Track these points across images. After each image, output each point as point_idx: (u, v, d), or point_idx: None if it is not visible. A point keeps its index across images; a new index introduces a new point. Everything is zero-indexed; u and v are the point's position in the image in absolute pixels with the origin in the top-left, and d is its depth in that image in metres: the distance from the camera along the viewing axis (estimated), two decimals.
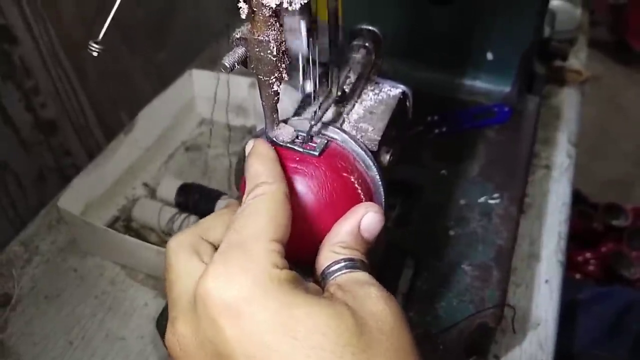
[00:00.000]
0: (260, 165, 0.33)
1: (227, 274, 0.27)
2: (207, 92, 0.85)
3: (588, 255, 1.45)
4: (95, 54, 0.31)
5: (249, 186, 0.32)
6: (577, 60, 0.99)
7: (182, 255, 0.32)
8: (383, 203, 0.38)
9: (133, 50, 0.98)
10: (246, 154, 0.35)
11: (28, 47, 0.79)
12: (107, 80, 0.94)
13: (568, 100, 0.90)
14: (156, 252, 0.61)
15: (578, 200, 1.57)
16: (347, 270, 0.32)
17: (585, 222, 1.50)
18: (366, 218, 0.34)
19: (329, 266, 0.32)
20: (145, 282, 0.66)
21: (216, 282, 0.27)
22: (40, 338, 0.61)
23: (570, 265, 1.43)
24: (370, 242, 0.34)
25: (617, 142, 2.11)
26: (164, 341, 0.32)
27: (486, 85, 0.73)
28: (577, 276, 1.41)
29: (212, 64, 0.94)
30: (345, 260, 0.32)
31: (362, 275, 0.31)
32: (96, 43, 0.31)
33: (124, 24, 0.92)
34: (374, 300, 0.29)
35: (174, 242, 0.33)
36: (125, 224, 0.73)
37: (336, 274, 0.32)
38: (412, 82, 0.72)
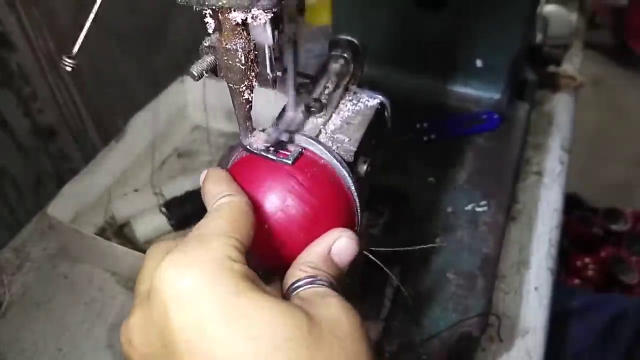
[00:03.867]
0: (217, 185, 0.33)
1: (181, 262, 0.28)
2: (200, 98, 0.86)
3: (587, 260, 1.44)
4: (69, 68, 0.32)
5: (210, 204, 0.33)
6: (572, 65, 0.99)
7: (157, 257, 0.32)
8: (359, 213, 0.38)
9: (129, 57, 0.98)
10: (200, 182, 0.35)
11: (25, 53, 0.80)
12: (103, 86, 0.95)
13: (561, 105, 0.90)
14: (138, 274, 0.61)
15: (577, 204, 1.56)
16: (310, 286, 0.32)
17: (585, 226, 1.49)
18: (338, 243, 0.34)
19: (293, 282, 0.32)
20: (134, 288, 0.66)
21: (169, 270, 0.28)
22: (29, 344, 0.61)
23: (569, 270, 1.43)
24: (341, 267, 0.34)
25: (618, 146, 2.10)
26: None
27: (476, 92, 0.73)
28: (576, 281, 1.40)
29: (207, 75, 0.94)
30: (310, 277, 0.32)
31: (324, 289, 0.32)
32: (69, 58, 0.31)
33: (120, 30, 0.93)
34: (332, 309, 0.29)
35: (153, 247, 0.34)
36: (116, 230, 0.73)
37: (299, 289, 0.32)
38: (402, 90, 0.73)
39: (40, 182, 0.87)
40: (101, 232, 0.72)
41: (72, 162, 0.92)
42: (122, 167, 0.76)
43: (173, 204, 0.72)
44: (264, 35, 0.30)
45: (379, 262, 0.39)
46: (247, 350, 0.25)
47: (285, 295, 0.32)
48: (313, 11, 1.04)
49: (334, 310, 0.29)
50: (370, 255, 0.39)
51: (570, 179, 0.80)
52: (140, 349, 0.29)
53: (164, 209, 0.71)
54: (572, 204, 1.53)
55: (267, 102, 0.38)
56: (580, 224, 1.49)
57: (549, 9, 0.98)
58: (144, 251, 0.64)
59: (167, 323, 0.27)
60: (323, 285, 0.32)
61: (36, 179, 0.87)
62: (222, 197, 0.32)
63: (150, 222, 0.71)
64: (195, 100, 0.86)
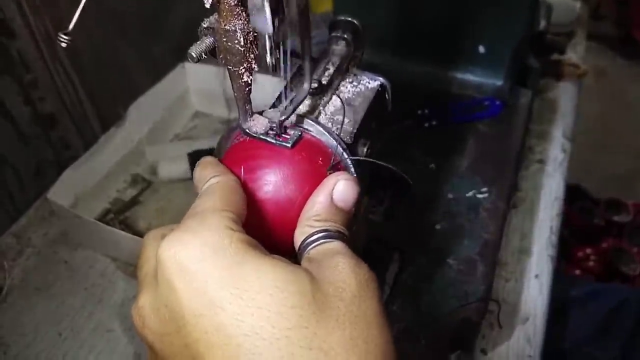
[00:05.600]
0: (205, 168, 0.34)
1: (182, 237, 0.28)
2: (200, 85, 0.86)
3: (588, 250, 1.44)
4: (64, 44, 0.31)
5: (199, 186, 0.33)
6: (575, 53, 0.98)
7: (155, 242, 0.33)
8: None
9: (130, 43, 0.98)
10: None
11: (26, 40, 0.79)
12: (104, 73, 0.94)
13: (564, 94, 0.89)
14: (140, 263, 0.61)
15: (579, 195, 1.56)
16: (321, 242, 0.31)
17: (586, 217, 1.49)
18: (338, 187, 0.33)
19: (304, 240, 0.32)
20: (134, 274, 0.66)
21: (172, 245, 0.28)
22: (30, 329, 0.62)
23: (570, 261, 1.43)
24: (347, 211, 0.34)
25: (621, 137, 2.09)
26: None
27: (478, 79, 0.73)
28: (577, 272, 1.40)
29: (207, 57, 0.94)
30: (320, 231, 0.32)
31: (334, 245, 0.31)
32: (65, 34, 0.31)
33: (121, 16, 0.93)
34: (339, 269, 0.29)
35: (150, 233, 0.34)
36: (117, 216, 0.73)
37: (310, 247, 0.31)
38: (404, 76, 0.72)
39: (40, 170, 0.87)
40: (102, 218, 0.72)
41: (72, 150, 0.92)
42: (122, 153, 0.76)
43: (197, 153, 0.76)
44: (264, 24, 0.30)
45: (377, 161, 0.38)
46: (254, 321, 0.25)
47: (299, 255, 0.32)
48: None
49: (341, 271, 0.28)
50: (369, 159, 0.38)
51: (573, 170, 0.79)
52: (153, 328, 0.29)
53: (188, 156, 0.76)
54: (574, 195, 1.52)
55: (264, 87, 0.37)
56: (582, 214, 1.49)
57: None
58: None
59: (175, 298, 0.27)
60: (333, 239, 0.31)
61: (37, 167, 0.86)
62: (210, 178, 0.33)
63: (174, 165, 0.76)
64: (196, 86, 0.86)
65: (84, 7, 0.32)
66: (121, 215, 0.73)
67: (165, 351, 0.28)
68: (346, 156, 0.36)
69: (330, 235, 0.32)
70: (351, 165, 0.36)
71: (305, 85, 0.36)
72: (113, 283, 0.66)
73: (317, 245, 0.31)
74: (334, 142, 0.36)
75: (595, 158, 1.94)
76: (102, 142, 0.72)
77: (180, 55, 0.86)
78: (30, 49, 0.80)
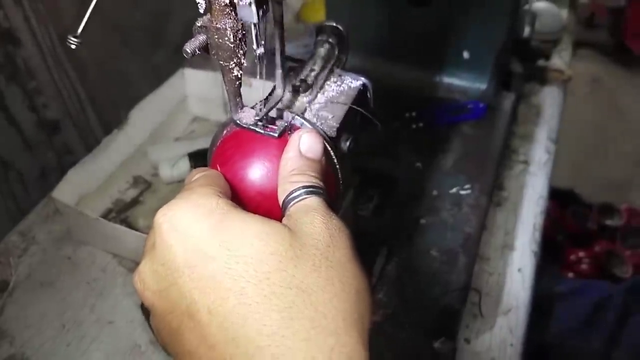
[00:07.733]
0: (192, 173, 0.38)
1: (176, 203, 0.33)
2: (198, 91, 0.89)
3: (581, 254, 1.46)
4: (73, 46, 0.35)
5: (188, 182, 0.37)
6: (561, 59, 1.01)
7: None
8: (341, 184, 0.41)
9: (131, 51, 1.01)
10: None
11: (31, 49, 0.82)
12: (106, 80, 0.97)
13: (549, 98, 0.93)
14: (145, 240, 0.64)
15: (573, 200, 1.59)
16: (302, 197, 0.34)
17: (580, 221, 1.52)
18: (303, 140, 0.37)
19: (285, 198, 0.35)
20: (134, 269, 0.69)
21: (167, 210, 0.32)
22: (34, 321, 0.65)
23: (563, 264, 1.45)
24: (317, 160, 0.37)
25: (616, 144, 2.12)
26: (149, 323, 0.36)
27: (463, 83, 0.76)
28: (570, 274, 1.42)
29: (206, 62, 0.97)
30: (301, 187, 0.35)
31: (310, 202, 0.34)
32: (75, 37, 0.34)
33: (122, 25, 0.96)
34: (314, 223, 0.32)
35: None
36: (119, 215, 0.76)
37: (290, 203, 0.35)
38: (392, 80, 0.76)
39: (44, 175, 0.90)
40: (104, 217, 0.75)
41: (75, 155, 0.95)
42: (124, 155, 0.79)
43: (198, 154, 0.79)
44: (250, 14, 0.33)
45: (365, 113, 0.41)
46: (239, 267, 0.29)
47: (282, 215, 0.35)
48: (309, 8, 1.07)
49: (316, 225, 0.32)
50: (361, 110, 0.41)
51: (567, 175, 0.82)
52: (153, 287, 0.32)
53: (189, 156, 0.79)
54: (567, 200, 1.55)
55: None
56: (576, 219, 1.51)
57: (539, 4, 1.01)
58: (145, 232, 0.67)
59: (171, 255, 0.31)
60: (310, 194, 0.34)
61: (41, 172, 0.89)
62: (195, 174, 0.37)
63: (175, 166, 0.79)
64: (194, 92, 0.89)
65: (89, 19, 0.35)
66: (122, 214, 0.76)
67: (164, 306, 0.32)
68: (294, 115, 0.40)
69: (307, 191, 0.35)
70: (307, 123, 0.39)
71: (279, 91, 0.39)
72: (114, 278, 0.69)
73: (296, 202, 0.34)
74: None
75: (589, 164, 1.97)
76: (105, 145, 0.75)
77: (179, 63, 0.90)
78: (35, 57, 0.83)
